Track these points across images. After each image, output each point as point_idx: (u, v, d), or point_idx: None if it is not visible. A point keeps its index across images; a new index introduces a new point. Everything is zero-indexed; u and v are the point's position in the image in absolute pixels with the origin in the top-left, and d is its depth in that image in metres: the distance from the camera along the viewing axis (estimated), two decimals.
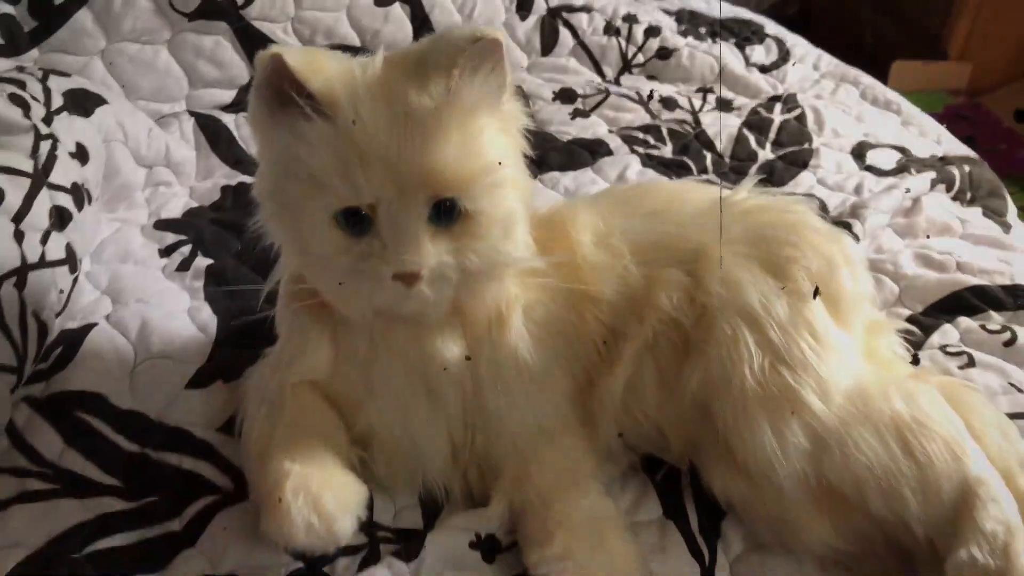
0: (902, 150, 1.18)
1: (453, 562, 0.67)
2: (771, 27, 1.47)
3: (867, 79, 1.35)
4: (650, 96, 1.29)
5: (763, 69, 1.36)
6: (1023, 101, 2.19)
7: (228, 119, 1.13)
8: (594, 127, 1.22)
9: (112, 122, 0.98)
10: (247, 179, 1.06)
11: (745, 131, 1.21)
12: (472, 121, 0.60)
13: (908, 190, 1.07)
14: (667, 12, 1.46)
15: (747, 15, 1.51)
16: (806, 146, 1.18)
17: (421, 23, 1.28)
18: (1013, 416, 0.76)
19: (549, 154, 1.14)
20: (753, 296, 0.67)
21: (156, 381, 0.78)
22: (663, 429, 0.73)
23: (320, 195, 0.59)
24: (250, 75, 1.18)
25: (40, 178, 0.80)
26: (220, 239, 0.96)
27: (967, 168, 1.12)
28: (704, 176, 1.12)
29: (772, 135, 1.20)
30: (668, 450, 0.75)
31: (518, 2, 1.37)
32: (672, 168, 1.12)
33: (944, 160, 1.15)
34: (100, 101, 0.96)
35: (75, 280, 0.84)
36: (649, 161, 1.14)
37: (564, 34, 1.38)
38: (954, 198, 1.09)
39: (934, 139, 1.22)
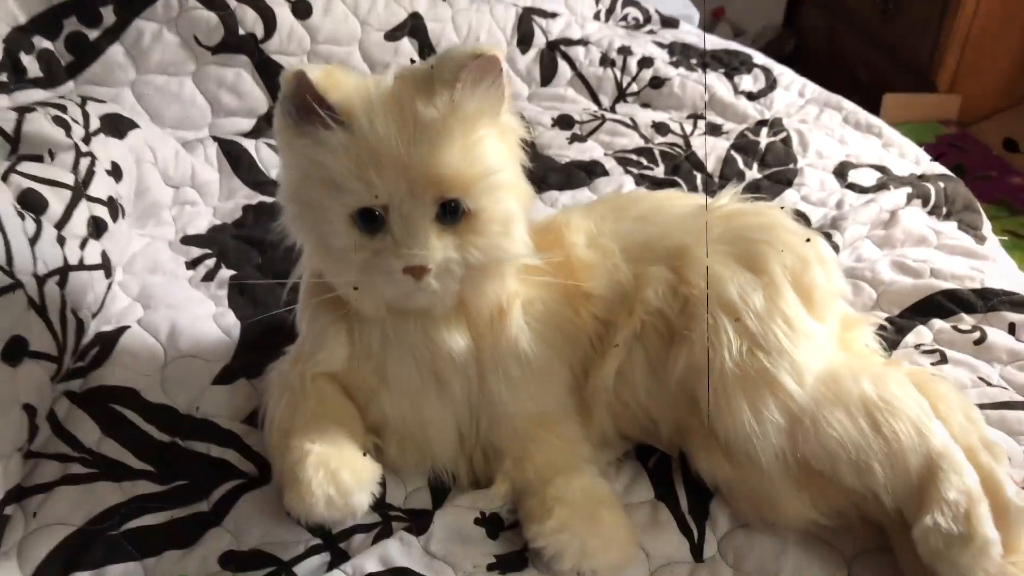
0: (882, 169, 1.24)
1: (460, 537, 0.73)
2: (759, 57, 1.55)
3: (849, 105, 1.42)
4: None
5: (751, 96, 1.43)
6: (1012, 130, 2.26)
7: (249, 144, 1.20)
8: (591, 150, 1.29)
9: (143, 144, 1.05)
10: (267, 199, 1.13)
11: (733, 152, 1.28)
12: (474, 129, 0.67)
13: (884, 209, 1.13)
14: (660, 45, 1.54)
15: (736, 47, 1.59)
16: (791, 166, 1.25)
17: (428, 56, 1.36)
18: (982, 406, 0.81)
19: (548, 175, 1.21)
20: (732, 289, 0.73)
21: (184, 378, 0.85)
22: (653, 415, 0.79)
23: (338, 196, 0.66)
24: (269, 105, 1.26)
25: (80, 191, 0.88)
26: (242, 253, 1.03)
27: (942, 184, 1.18)
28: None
29: (759, 156, 1.27)
30: (659, 437, 0.81)
31: (519, 36, 1.46)
32: (664, 187, 1.19)
33: (921, 177, 1.22)
34: (132, 125, 1.04)
35: (109, 285, 0.91)
36: (642, 180, 1.21)
37: (562, 66, 1.46)
38: (930, 212, 1.16)
39: (913, 160, 1.29)
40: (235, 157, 1.17)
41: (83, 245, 0.86)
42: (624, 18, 1.67)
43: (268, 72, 1.25)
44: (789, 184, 1.21)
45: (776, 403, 0.70)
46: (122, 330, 0.88)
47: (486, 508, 0.75)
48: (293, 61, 1.28)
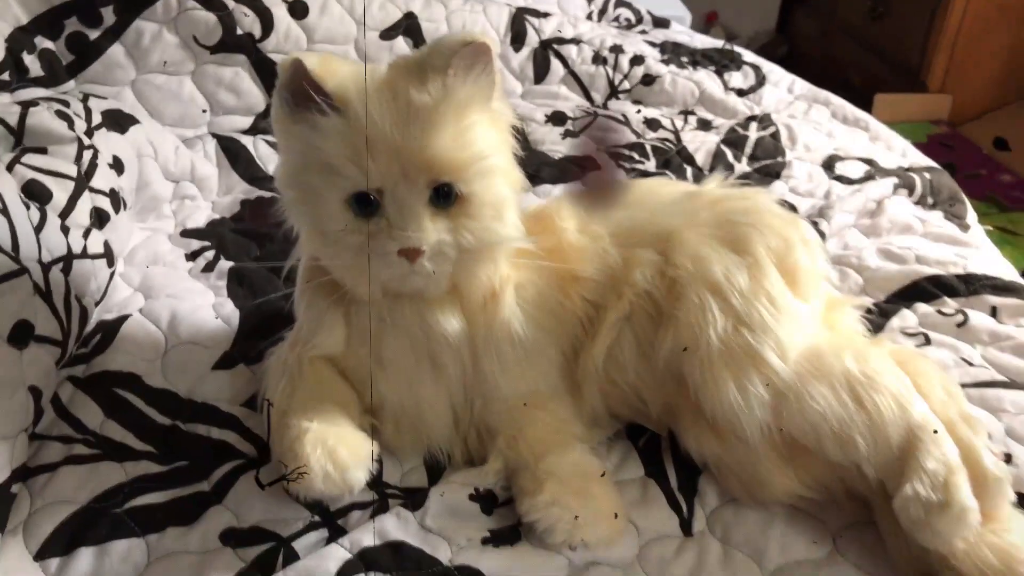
0: (869, 162, 1.26)
1: (455, 512, 0.74)
2: (748, 55, 1.57)
3: (837, 100, 1.45)
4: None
5: (740, 93, 1.46)
6: (1002, 129, 2.30)
7: (247, 140, 1.22)
8: (583, 146, 1.31)
9: (144, 140, 1.07)
10: (264, 194, 1.15)
11: (723, 147, 1.30)
12: (465, 115, 0.69)
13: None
14: (651, 44, 1.56)
15: (726, 45, 1.61)
16: (779, 159, 1.27)
17: None
18: (964, 385, 0.84)
19: (542, 169, 1.23)
20: (717, 269, 0.76)
21: (185, 364, 0.87)
22: (642, 395, 0.81)
23: (334, 181, 0.68)
24: (266, 103, 1.28)
25: (83, 182, 0.90)
26: (240, 246, 1.05)
27: (928, 176, 1.21)
28: None
29: (748, 150, 1.29)
30: (648, 416, 0.83)
31: (512, 35, 1.48)
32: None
33: (908, 169, 1.24)
34: (133, 121, 1.07)
35: (112, 275, 0.93)
36: (633, 173, 1.23)
37: (555, 64, 1.48)
38: (916, 202, 1.18)
39: (900, 152, 1.31)
40: (233, 153, 1.19)
41: (86, 235, 0.88)
42: (616, 19, 1.70)
43: (265, 71, 1.27)
44: (777, 176, 1.24)
45: (760, 378, 0.72)
46: (124, 318, 0.90)
47: (480, 485, 0.76)
48: None
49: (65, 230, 0.85)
